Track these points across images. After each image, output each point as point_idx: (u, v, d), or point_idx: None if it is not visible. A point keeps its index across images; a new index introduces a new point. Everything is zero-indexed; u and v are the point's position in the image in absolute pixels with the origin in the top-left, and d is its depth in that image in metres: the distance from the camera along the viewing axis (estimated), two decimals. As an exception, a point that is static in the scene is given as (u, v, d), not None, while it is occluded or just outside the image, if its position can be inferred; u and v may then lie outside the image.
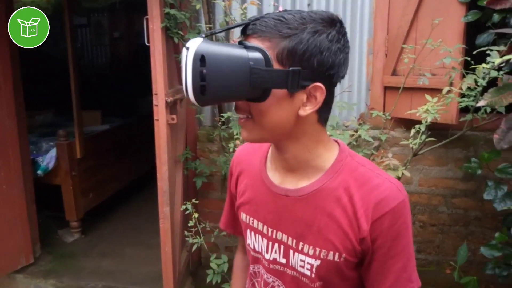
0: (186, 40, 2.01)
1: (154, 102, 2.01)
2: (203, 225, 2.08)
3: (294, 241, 0.82)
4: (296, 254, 0.82)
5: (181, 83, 2.44)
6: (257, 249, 0.90)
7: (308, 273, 0.81)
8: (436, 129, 2.03)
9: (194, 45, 0.67)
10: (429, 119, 1.54)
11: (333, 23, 0.72)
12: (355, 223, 0.76)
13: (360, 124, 1.86)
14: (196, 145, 2.63)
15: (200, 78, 0.66)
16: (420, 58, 1.91)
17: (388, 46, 2.31)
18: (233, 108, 2.17)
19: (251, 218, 0.89)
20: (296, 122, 0.75)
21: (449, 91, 1.59)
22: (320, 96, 0.73)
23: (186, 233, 2.07)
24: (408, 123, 2.27)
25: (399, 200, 0.75)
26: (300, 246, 0.81)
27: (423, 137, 1.62)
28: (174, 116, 2.05)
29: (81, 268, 3.03)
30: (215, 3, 1.91)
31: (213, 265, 2.07)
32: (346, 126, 2.06)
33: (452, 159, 2.36)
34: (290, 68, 0.69)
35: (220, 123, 2.24)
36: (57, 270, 3.00)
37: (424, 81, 1.73)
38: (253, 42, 0.71)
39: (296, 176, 0.82)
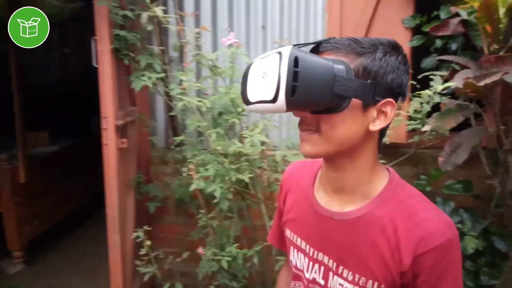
0: (137, 62, 1.95)
1: (103, 126, 1.92)
2: (156, 252, 1.99)
3: (335, 264, 0.82)
4: (335, 277, 0.83)
5: (133, 105, 2.38)
6: (299, 267, 0.91)
7: None
8: (388, 148, 2.08)
9: (286, 49, 0.69)
10: None
11: (398, 48, 0.78)
12: (397, 255, 0.75)
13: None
14: (149, 168, 2.54)
15: (293, 78, 0.67)
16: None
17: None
18: (185, 131, 2.13)
19: (295, 236, 0.91)
20: (363, 138, 0.76)
21: (397, 114, 1.64)
22: (391, 112, 0.75)
23: (137, 262, 1.97)
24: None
25: (446, 237, 0.72)
26: (340, 270, 0.82)
27: None
28: (125, 140, 1.97)
29: (24, 303, 2.81)
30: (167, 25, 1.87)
31: (167, 294, 1.98)
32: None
33: (403, 176, 2.37)
34: (369, 81, 0.72)
35: (173, 145, 2.18)
36: (-3, 305, 2.76)
37: (374, 104, 1.78)
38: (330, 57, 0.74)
39: (343, 200, 0.82)
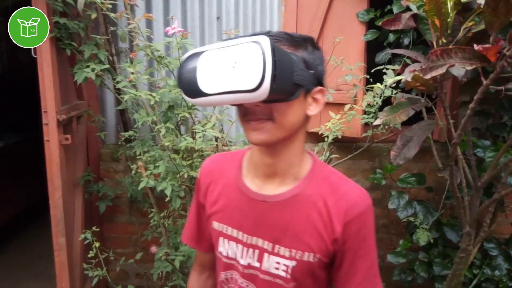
0: (81, 52, 1.83)
1: (44, 121, 1.79)
2: (106, 254, 1.89)
3: (270, 244, 0.87)
4: (271, 257, 0.87)
5: (80, 98, 2.24)
6: (230, 256, 0.92)
7: (283, 274, 0.87)
8: (343, 142, 2.09)
9: (265, 40, 0.69)
10: (330, 138, 1.55)
11: (316, 42, 0.84)
12: (329, 225, 0.83)
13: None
14: (99, 165, 2.41)
15: (273, 67, 0.68)
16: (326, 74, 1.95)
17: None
18: (135, 126, 2.01)
19: (225, 226, 0.92)
20: (302, 123, 0.83)
21: (351, 108, 1.63)
22: (322, 98, 0.84)
23: (85, 265, 1.86)
24: (317, 137, 2.30)
25: (366, 205, 0.85)
26: (276, 249, 0.86)
27: (328, 153, 1.64)
28: (69, 136, 1.84)
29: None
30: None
31: (118, 297, 1.89)
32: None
33: (359, 170, 2.44)
34: (311, 71, 0.79)
35: (123, 141, 2.07)
36: None
37: (328, 97, 1.75)
38: None
39: (274, 183, 0.87)
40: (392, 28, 1.64)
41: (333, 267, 0.88)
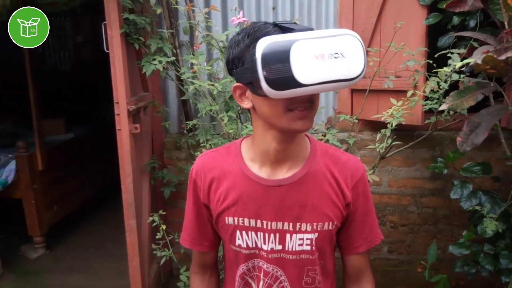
0: (148, 46, 1.94)
1: (116, 111, 1.92)
2: (172, 236, 2.01)
3: (291, 224, 0.93)
4: (293, 235, 0.93)
5: (146, 90, 2.38)
6: (251, 246, 0.96)
7: (308, 248, 0.94)
8: (402, 130, 2.04)
9: (354, 33, 0.77)
10: (394, 124, 1.54)
11: None
12: (340, 193, 0.93)
13: (328, 128, 1.84)
14: (163, 153, 2.55)
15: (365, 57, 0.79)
16: (384, 60, 1.92)
17: (353, 49, 2.31)
18: (198, 115, 2.12)
19: (241, 219, 0.94)
20: None
21: (413, 94, 1.59)
22: None
23: (154, 246, 2.00)
24: (375, 125, 2.28)
25: (363, 168, 0.97)
26: (298, 227, 0.93)
27: (389, 140, 1.62)
28: (138, 125, 1.97)
29: (46, 286, 2.89)
30: (177, 8, 1.85)
31: (182, 277, 2.00)
32: (315, 130, 2.04)
33: (419, 159, 2.38)
34: None
35: (186, 130, 2.18)
36: (20, 288, 2.85)
37: (388, 84, 1.73)
38: None
39: (285, 167, 0.93)
40: (457, 10, 1.59)
41: (343, 228, 0.98)
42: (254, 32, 0.83)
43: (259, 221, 0.94)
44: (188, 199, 1.03)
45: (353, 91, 2.36)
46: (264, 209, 0.93)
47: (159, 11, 1.85)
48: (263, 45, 0.74)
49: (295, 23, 0.84)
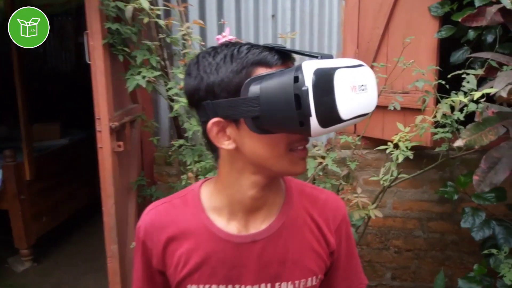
0: (133, 58, 1.78)
1: (97, 128, 1.77)
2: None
3: (269, 285, 0.79)
4: None
5: (134, 102, 2.23)
6: None
7: None
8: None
9: (364, 64, 0.69)
10: (400, 159, 1.37)
11: None
12: (323, 240, 0.81)
13: (328, 151, 1.68)
14: (153, 169, 2.40)
15: None
16: (392, 76, 1.75)
17: (358, 61, 2.15)
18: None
19: (207, 286, 0.78)
20: None
21: (422, 120, 1.42)
22: None
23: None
24: (380, 143, 2.11)
25: (343, 206, 0.87)
26: (277, 287, 0.79)
27: (395, 173, 1.45)
28: (121, 143, 1.82)
29: (31, 303, 2.75)
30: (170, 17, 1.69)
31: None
32: (315, 150, 1.87)
33: (427, 181, 2.21)
34: None
35: (176, 146, 2.02)
36: (3, 306, 2.71)
37: (395, 106, 1.56)
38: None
39: (259, 217, 0.78)
40: (474, 24, 1.42)
41: (324, 277, 0.85)
42: (244, 56, 0.68)
43: (230, 286, 0.78)
44: (136, 264, 0.84)
45: (357, 106, 2.20)
46: (236, 271, 0.77)
47: (146, 20, 1.70)
48: (310, 69, 0.60)
49: (292, 51, 0.71)
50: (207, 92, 0.69)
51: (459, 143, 0.91)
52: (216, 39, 1.32)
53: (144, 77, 1.63)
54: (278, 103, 0.63)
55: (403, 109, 1.89)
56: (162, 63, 1.83)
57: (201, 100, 0.71)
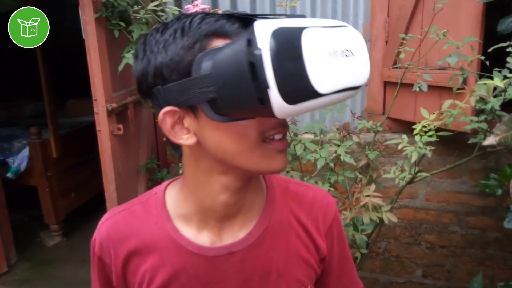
0: (130, 33, 1.64)
1: (95, 109, 1.67)
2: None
3: None
4: None
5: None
6: None
7: None
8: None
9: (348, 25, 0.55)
10: (414, 157, 1.11)
11: None
12: (312, 245, 0.71)
13: (343, 137, 1.46)
14: (165, 150, 2.29)
15: None
16: (426, 47, 1.47)
17: (388, 32, 1.86)
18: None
19: None
20: None
21: (452, 105, 1.15)
22: None
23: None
24: (410, 127, 1.85)
25: (334, 203, 0.75)
26: None
27: (415, 170, 1.19)
28: (120, 126, 1.71)
29: (57, 277, 2.81)
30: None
31: None
32: (328, 139, 1.65)
33: (466, 170, 1.92)
34: None
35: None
36: (32, 279, 2.79)
37: (422, 87, 1.29)
38: None
39: (236, 225, 0.66)
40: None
41: (315, 285, 0.75)
42: (196, 27, 0.55)
43: None
44: (93, 282, 0.74)
45: (387, 83, 1.93)
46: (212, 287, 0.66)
47: None
48: (266, 31, 0.46)
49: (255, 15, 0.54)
50: (156, 76, 0.57)
51: (490, 141, 0.69)
52: (185, 9, 1.12)
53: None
54: (232, 77, 0.49)
55: (439, 88, 1.62)
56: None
57: (151, 86, 0.58)
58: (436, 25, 1.39)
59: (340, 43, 0.50)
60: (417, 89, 1.28)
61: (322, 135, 1.67)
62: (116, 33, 1.62)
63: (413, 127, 1.16)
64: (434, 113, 1.14)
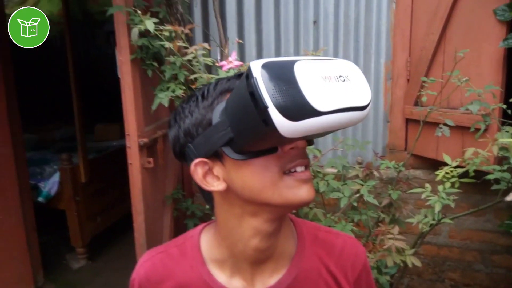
0: (162, 72, 1.73)
1: (127, 144, 1.75)
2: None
3: None
4: None
5: (167, 115, 2.19)
6: None
7: None
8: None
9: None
10: (437, 208, 1.13)
11: None
12: None
13: (366, 176, 1.49)
14: (191, 181, 2.36)
15: None
16: (447, 89, 1.51)
17: (410, 70, 1.91)
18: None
19: None
20: None
21: (475, 153, 1.18)
22: None
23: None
24: (433, 163, 1.87)
25: (363, 252, 0.77)
26: None
27: (437, 216, 1.21)
28: (151, 160, 1.79)
29: (81, 301, 2.88)
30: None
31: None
32: (350, 175, 1.68)
33: (491, 208, 1.91)
34: None
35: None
36: (57, 302, 2.87)
37: (444, 131, 1.33)
38: None
39: (267, 271, 0.69)
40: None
41: None
42: (212, 89, 0.65)
43: None
44: None
45: (408, 121, 1.96)
46: None
47: (167, 45, 1.61)
48: (258, 64, 0.52)
49: None
50: (186, 135, 0.65)
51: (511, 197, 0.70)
52: (220, 65, 1.20)
53: (172, 90, 1.55)
54: (240, 112, 0.55)
55: (461, 127, 1.64)
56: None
57: (183, 146, 0.65)
58: (457, 69, 1.43)
59: (333, 70, 0.55)
60: (440, 134, 1.31)
61: (344, 171, 1.70)
62: (150, 73, 1.72)
63: (436, 173, 1.19)
64: (456, 160, 1.17)
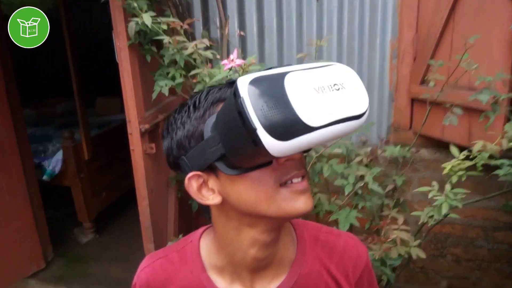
0: (162, 57, 1.68)
1: (128, 130, 1.74)
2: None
3: None
4: None
5: (174, 93, 2.15)
6: None
7: None
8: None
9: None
10: (444, 209, 1.12)
11: None
12: None
13: (370, 162, 1.48)
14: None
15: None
16: (453, 77, 1.46)
17: (417, 48, 1.85)
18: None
19: None
20: None
21: (483, 147, 1.16)
22: None
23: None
24: (438, 143, 1.86)
25: (365, 252, 0.76)
26: None
27: (443, 211, 1.20)
28: (153, 145, 1.77)
29: (90, 275, 2.96)
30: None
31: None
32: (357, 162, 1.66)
33: (495, 186, 1.90)
34: None
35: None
36: (67, 276, 2.95)
37: (451, 121, 1.30)
38: None
39: (267, 277, 0.70)
40: None
41: None
42: (204, 99, 0.63)
43: None
44: None
45: (414, 100, 1.92)
46: None
47: (166, 39, 1.55)
48: (245, 82, 0.50)
49: None
50: (178, 147, 0.65)
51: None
52: (222, 64, 1.15)
53: (172, 78, 1.52)
54: (230, 129, 0.54)
55: (470, 109, 1.61)
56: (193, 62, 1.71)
57: (176, 158, 0.65)
58: (464, 51, 1.37)
59: (326, 79, 0.53)
60: (447, 123, 1.28)
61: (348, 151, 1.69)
62: (148, 58, 1.67)
63: (443, 165, 1.18)
64: (463, 154, 1.15)
